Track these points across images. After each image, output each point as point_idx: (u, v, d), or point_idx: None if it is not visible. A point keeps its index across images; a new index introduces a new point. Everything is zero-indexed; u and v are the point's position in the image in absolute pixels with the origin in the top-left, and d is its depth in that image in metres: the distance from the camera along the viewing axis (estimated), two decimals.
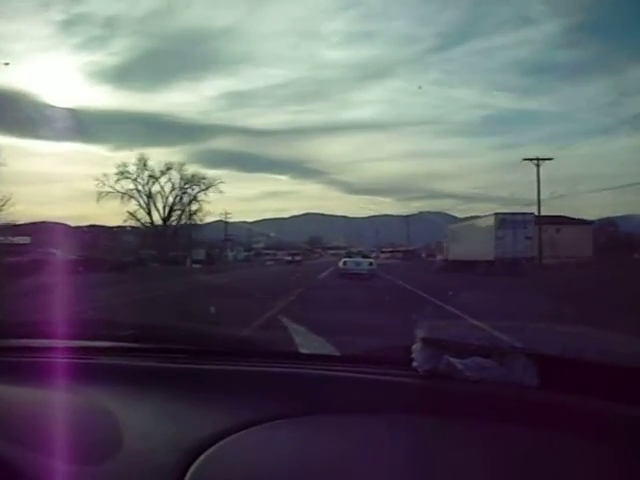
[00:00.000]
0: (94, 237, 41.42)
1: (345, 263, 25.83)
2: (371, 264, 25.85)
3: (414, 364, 1.15)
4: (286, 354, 1.39)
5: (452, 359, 1.11)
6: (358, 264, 25.52)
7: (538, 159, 38.62)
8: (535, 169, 38.44)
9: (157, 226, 50.75)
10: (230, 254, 68.54)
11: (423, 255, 73.75)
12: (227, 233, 68.07)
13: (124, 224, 49.43)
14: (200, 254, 52.78)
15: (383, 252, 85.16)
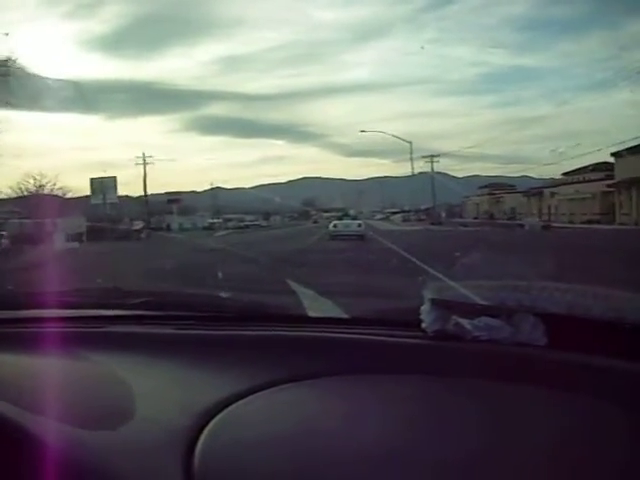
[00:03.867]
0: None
1: (335, 225, 28.23)
2: (360, 225, 28.08)
3: (423, 325, 1.16)
4: (295, 318, 1.40)
5: (460, 319, 1.11)
6: (347, 226, 27.75)
7: None
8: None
9: None
10: (175, 221, 54.50)
11: (443, 215, 57.81)
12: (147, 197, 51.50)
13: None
14: (77, 225, 32.70)
15: (395, 213, 69.56)
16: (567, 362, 1.03)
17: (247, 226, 56.99)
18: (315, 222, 59.58)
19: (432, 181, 58.03)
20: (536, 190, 53.20)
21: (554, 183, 49.32)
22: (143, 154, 50.03)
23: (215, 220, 61.80)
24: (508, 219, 50.18)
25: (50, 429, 0.86)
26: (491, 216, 55.47)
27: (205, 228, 54.60)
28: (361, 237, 25.18)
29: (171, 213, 55.19)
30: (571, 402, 0.94)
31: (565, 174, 46.35)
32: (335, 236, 25.44)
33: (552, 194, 48.93)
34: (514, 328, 1.09)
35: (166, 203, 56.40)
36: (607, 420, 0.90)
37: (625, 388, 0.95)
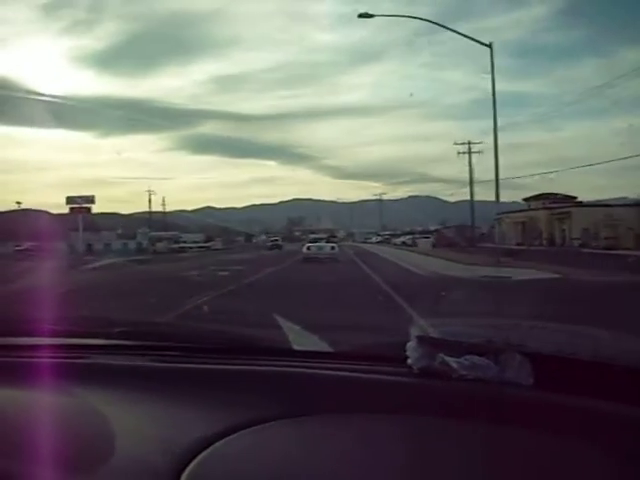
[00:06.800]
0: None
1: (309, 248, 27.99)
2: (333, 248, 27.87)
3: (409, 362, 1.14)
4: (280, 351, 1.38)
5: (447, 357, 1.10)
6: (321, 248, 27.65)
7: None
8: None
9: None
10: (100, 240, 44.30)
11: (460, 241, 39.67)
12: None
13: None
14: None
15: (395, 235, 57.89)
16: (553, 403, 1.02)
17: (182, 249, 41.89)
18: (276, 247, 42.84)
19: (470, 183, 41.25)
20: None
21: None
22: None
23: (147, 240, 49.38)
24: (580, 245, 31.59)
25: (24, 472, 0.83)
26: (551, 241, 37.43)
27: (140, 250, 44.01)
28: (334, 260, 25.20)
29: (76, 230, 39.99)
30: (557, 443, 0.93)
31: None
32: (308, 259, 25.70)
33: None
34: (501, 367, 1.08)
35: (69, 213, 41.33)
36: (593, 461, 0.89)
37: (612, 430, 0.94)
